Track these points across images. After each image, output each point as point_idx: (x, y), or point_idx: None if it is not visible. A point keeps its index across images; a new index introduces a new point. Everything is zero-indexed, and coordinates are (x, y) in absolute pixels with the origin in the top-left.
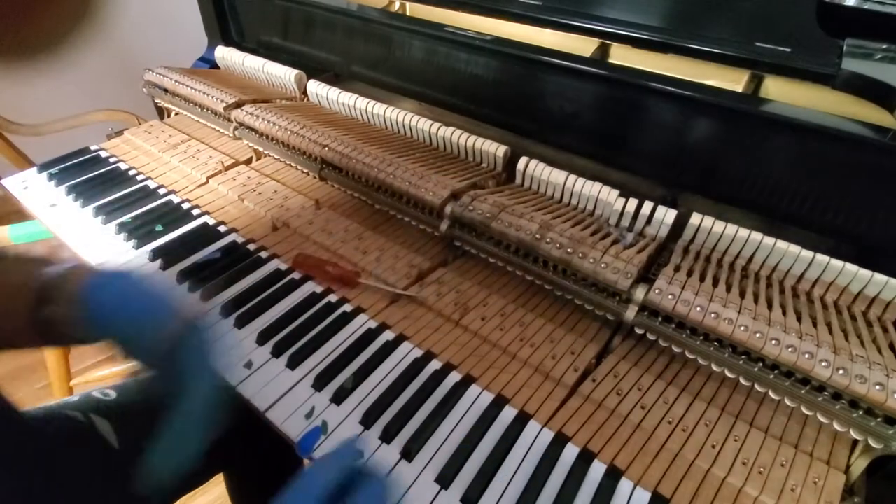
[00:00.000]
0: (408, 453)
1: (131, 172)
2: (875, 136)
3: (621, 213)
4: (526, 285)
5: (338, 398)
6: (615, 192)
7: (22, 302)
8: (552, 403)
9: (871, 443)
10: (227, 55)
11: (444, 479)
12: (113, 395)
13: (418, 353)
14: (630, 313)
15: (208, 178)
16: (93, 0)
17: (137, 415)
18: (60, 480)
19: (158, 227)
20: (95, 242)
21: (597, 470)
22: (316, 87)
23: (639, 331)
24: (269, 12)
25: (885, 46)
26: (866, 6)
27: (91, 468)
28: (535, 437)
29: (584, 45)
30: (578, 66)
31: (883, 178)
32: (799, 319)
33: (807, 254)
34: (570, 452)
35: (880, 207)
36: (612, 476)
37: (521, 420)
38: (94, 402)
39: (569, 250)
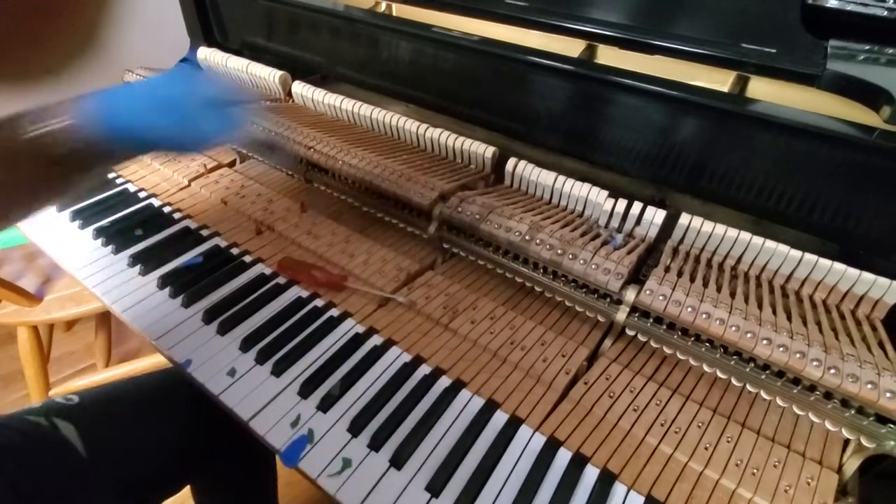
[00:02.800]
0: (397, 461)
1: (110, 176)
2: (861, 135)
3: (611, 214)
4: (515, 288)
5: (324, 405)
6: (604, 193)
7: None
8: (544, 407)
9: (864, 441)
10: (209, 56)
11: (435, 488)
12: (76, 399)
13: (407, 357)
14: (621, 314)
15: (190, 181)
16: (98, 27)
17: (103, 420)
18: (20, 489)
19: (138, 232)
20: (72, 247)
21: (590, 475)
22: (301, 89)
23: (630, 332)
24: (253, 13)
25: (867, 48)
26: (848, 8)
27: (55, 474)
28: (527, 442)
29: (570, 47)
30: (566, 66)
31: (869, 176)
32: (789, 319)
33: (795, 253)
34: (563, 457)
35: (867, 205)
36: (606, 480)
37: (513, 425)
38: (56, 407)
39: (559, 252)
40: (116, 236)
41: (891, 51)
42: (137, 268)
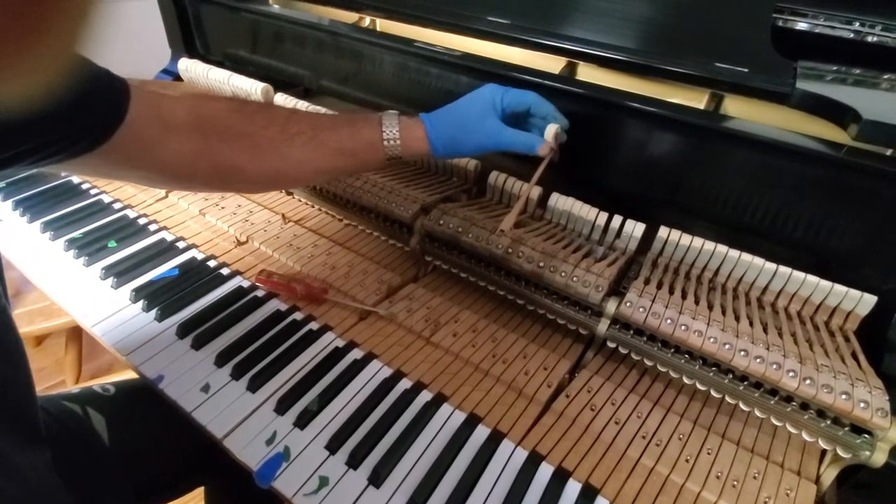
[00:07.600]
0: (376, 479)
1: (84, 186)
2: (830, 152)
3: (592, 227)
4: (497, 301)
5: (302, 422)
6: (586, 206)
7: (375, 160)
8: (526, 421)
9: (840, 452)
10: (190, 67)
11: None
12: (112, 390)
13: (387, 371)
14: (602, 327)
15: (168, 191)
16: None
17: (131, 416)
18: (48, 469)
19: (111, 244)
20: (42, 259)
21: (572, 489)
22: (283, 101)
23: (611, 344)
24: (236, 25)
25: (834, 68)
26: (817, 30)
27: (80, 461)
28: (509, 457)
29: (552, 63)
30: (547, 82)
31: (838, 190)
32: (765, 330)
33: (770, 265)
34: (545, 472)
35: (837, 219)
36: (588, 495)
37: (495, 440)
38: (93, 397)
39: (540, 264)
40: (88, 248)
41: (857, 71)
42: (110, 280)
